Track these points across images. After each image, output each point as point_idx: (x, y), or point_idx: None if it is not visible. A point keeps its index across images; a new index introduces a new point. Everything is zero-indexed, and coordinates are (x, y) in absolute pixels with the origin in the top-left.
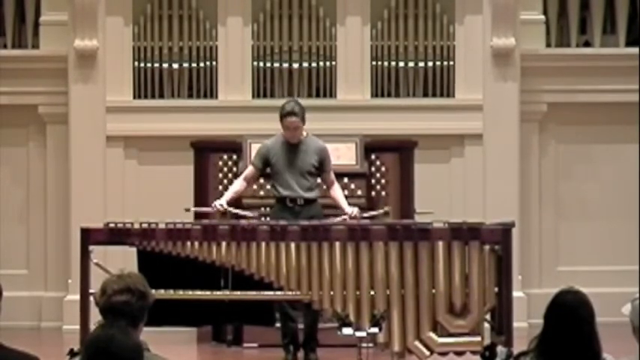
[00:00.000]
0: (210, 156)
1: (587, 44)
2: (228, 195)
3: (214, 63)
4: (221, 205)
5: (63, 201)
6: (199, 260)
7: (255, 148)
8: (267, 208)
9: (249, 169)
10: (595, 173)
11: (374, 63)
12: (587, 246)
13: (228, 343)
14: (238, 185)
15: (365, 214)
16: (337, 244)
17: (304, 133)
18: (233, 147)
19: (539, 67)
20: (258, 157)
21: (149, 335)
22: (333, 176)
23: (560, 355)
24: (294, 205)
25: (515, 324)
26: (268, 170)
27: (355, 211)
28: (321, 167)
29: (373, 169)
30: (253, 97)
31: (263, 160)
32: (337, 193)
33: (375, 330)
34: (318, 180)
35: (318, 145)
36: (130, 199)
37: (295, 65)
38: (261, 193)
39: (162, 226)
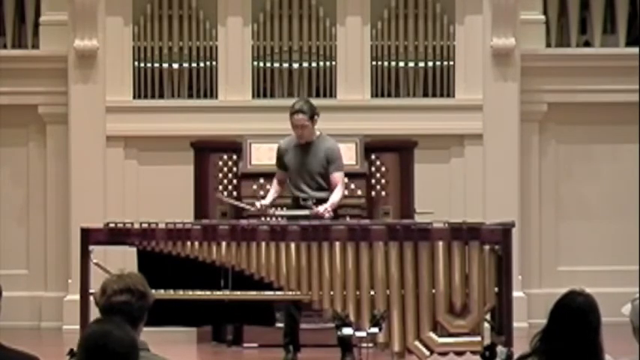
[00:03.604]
0: (210, 156)
1: (587, 44)
2: (271, 196)
3: (214, 63)
4: (261, 205)
5: (63, 201)
6: (199, 260)
7: (255, 148)
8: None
9: (278, 172)
10: (595, 173)
11: (374, 63)
12: (587, 246)
13: (228, 343)
14: (275, 187)
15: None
16: (337, 244)
17: (317, 133)
18: (233, 147)
19: (539, 67)
20: (277, 159)
21: (149, 335)
22: (336, 180)
23: (562, 356)
24: (305, 204)
25: (515, 324)
26: None
27: (322, 209)
28: (328, 167)
29: (373, 169)
30: (253, 97)
31: (280, 159)
32: (332, 196)
33: (375, 330)
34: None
35: (327, 145)
36: (130, 199)
37: (295, 65)
38: (261, 193)
39: (162, 226)
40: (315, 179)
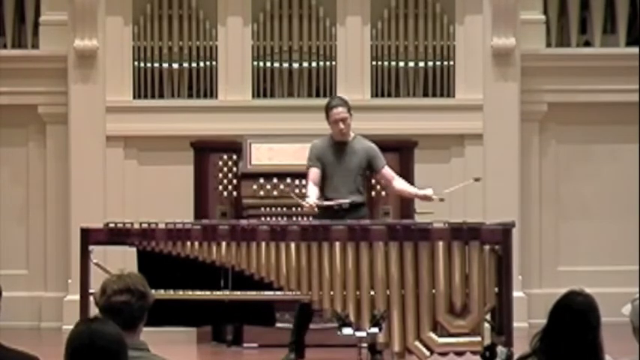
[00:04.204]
0: (210, 156)
1: (587, 44)
2: (315, 196)
3: (214, 63)
4: (314, 202)
5: (63, 201)
6: (199, 260)
7: (255, 148)
8: (267, 209)
9: (315, 172)
10: (595, 173)
11: (374, 63)
12: (587, 246)
13: (228, 343)
14: (315, 191)
15: (448, 189)
16: (337, 244)
17: (351, 134)
18: (233, 147)
19: (540, 67)
20: (314, 158)
21: (149, 335)
22: (390, 171)
23: (562, 356)
24: (339, 208)
25: (515, 324)
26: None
27: (430, 191)
28: (372, 167)
29: None
30: (253, 97)
31: (318, 158)
32: (401, 184)
33: (375, 330)
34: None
35: (365, 145)
36: (130, 199)
37: (295, 65)
38: (261, 193)
39: (162, 226)
40: (352, 180)
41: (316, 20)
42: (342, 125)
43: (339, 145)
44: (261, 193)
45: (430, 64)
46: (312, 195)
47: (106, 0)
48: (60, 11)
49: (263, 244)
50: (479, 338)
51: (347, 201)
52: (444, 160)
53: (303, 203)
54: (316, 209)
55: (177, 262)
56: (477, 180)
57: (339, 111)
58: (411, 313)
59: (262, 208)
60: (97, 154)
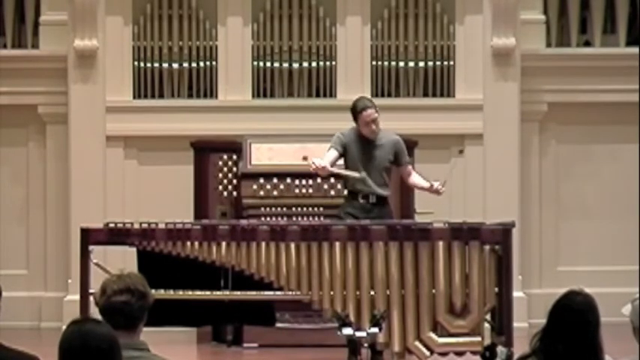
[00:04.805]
0: (210, 156)
1: (587, 44)
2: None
3: (214, 63)
4: (325, 165)
5: (63, 201)
6: (199, 260)
7: (255, 148)
8: (267, 209)
9: (333, 153)
10: (595, 173)
11: (374, 63)
12: (587, 246)
13: (228, 343)
14: (329, 160)
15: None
16: (337, 244)
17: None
18: (233, 147)
19: (540, 67)
20: (338, 143)
21: (149, 335)
22: (410, 167)
23: (562, 356)
24: (366, 201)
25: (515, 324)
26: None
27: (436, 184)
28: (397, 160)
29: None
30: (253, 97)
31: (342, 146)
32: (415, 178)
33: (375, 330)
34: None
35: (392, 138)
36: (130, 199)
37: (295, 65)
38: (261, 193)
39: (162, 226)
40: (381, 174)
41: (316, 20)
42: (373, 126)
43: (367, 140)
44: (261, 193)
45: (430, 64)
46: (325, 160)
47: (106, 0)
48: (60, 11)
49: (263, 244)
50: (479, 338)
51: (357, 175)
52: (444, 160)
53: (312, 163)
54: (327, 168)
55: (177, 262)
56: (460, 152)
57: (370, 113)
58: (411, 313)
59: (262, 208)
60: (97, 154)
